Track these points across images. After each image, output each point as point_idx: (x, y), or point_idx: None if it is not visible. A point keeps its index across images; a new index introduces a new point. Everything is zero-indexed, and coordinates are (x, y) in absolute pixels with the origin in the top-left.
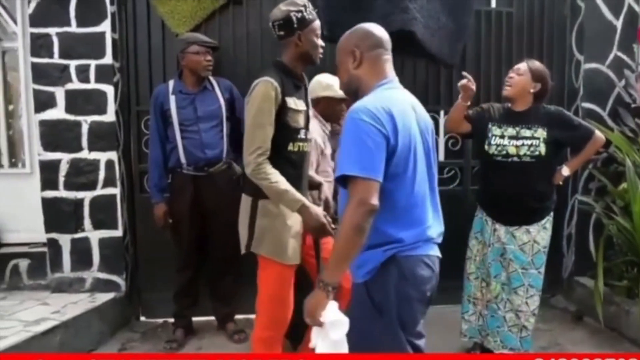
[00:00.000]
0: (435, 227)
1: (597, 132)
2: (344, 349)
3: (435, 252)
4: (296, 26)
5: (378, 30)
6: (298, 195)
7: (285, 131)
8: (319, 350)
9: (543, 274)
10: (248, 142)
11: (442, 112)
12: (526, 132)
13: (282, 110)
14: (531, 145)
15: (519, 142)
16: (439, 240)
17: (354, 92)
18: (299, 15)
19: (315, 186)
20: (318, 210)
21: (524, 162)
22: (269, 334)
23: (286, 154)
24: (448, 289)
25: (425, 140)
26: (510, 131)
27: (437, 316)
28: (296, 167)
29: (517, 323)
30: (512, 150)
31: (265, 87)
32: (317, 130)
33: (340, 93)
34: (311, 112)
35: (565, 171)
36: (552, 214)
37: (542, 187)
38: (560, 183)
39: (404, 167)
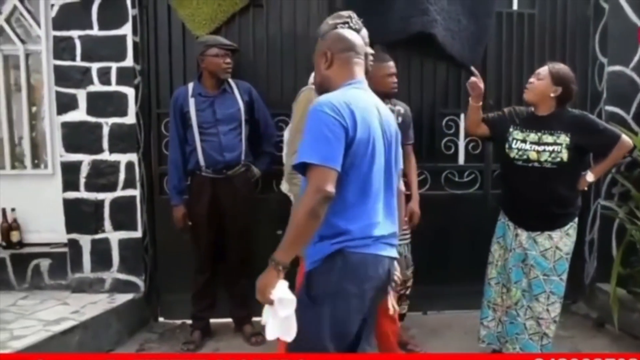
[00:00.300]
0: (386, 226)
1: (624, 137)
2: (293, 327)
3: (388, 252)
4: None
5: (350, 35)
6: None
7: None
8: (269, 328)
9: (565, 281)
10: (289, 145)
11: (462, 115)
12: (548, 138)
13: None
14: (552, 151)
15: (541, 148)
16: (393, 241)
17: (325, 91)
18: (345, 27)
19: None
20: None
21: (545, 168)
22: None
23: None
24: (468, 294)
25: (386, 141)
26: (533, 136)
27: (456, 321)
28: None
29: (537, 331)
30: (533, 156)
31: (308, 95)
32: None
33: None
34: None
35: (590, 177)
36: (576, 220)
37: (564, 193)
38: (585, 189)
39: (359, 161)
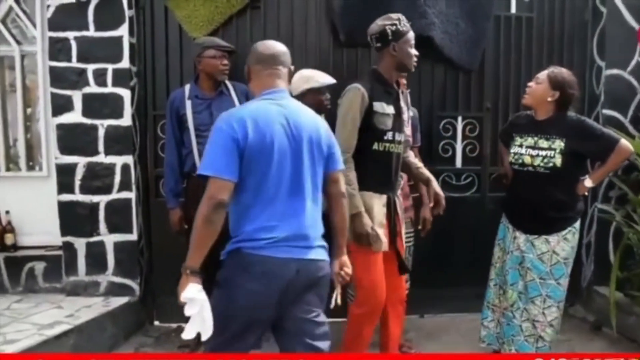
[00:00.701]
0: (291, 228)
1: (622, 142)
2: (206, 324)
3: (296, 255)
4: (391, 38)
5: (264, 47)
6: (359, 203)
7: (371, 132)
8: (186, 327)
9: (564, 286)
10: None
11: (459, 118)
12: (544, 143)
13: (369, 113)
14: (545, 156)
15: (535, 152)
16: (305, 243)
17: None
18: (393, 28)
19: (424, 181)
20: (367, 221)
21: (539, 173)
22: (362, 310)
23: (371, 153)
24: (465, 297)
25: (295, 147)
26: (530, 141)
27: (453, 324)
28: (381, 165)
29: (533, 333)
30: (527, 160)
31: (353, 93)
32: None
33: (320, 82)
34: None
35: (589, 183)
36: (576, 225)
37: (560, 197)
38: (586, 194)
39: (255, 168)
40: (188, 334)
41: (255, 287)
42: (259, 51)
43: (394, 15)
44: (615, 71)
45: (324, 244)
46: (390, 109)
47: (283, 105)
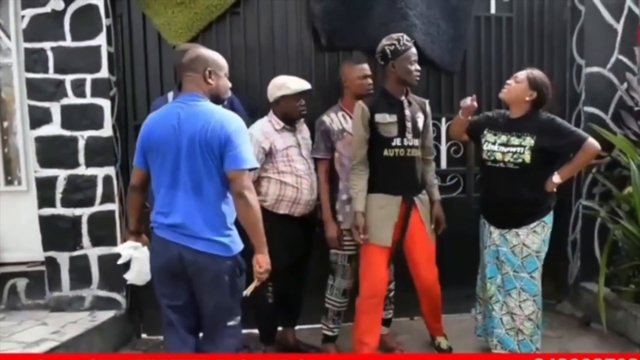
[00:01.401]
0: (176, 217)
1: (590, 141)
2: (133, 274)
3: (178, 240)
4: (390, 57)
5: (185, 55)
6: (359, 206)
7: (379, 140)
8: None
9: (537, 280)
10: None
11: (443, 120)
12: (515, 140)
13: (373, 125)
14: (515, 152)
15: (506, 149)
16: (183, 231)
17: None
18: (392, 47)
19: (431, 200)
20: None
21: (509, 169)
22: (367, 300)
23: (382, 158)
24: (454, 298)
25: (177, 145)
26: (503, 138)
27: (447, 324)
28: (392, 169)
29: (513, 326)
30: (499, 157)
31: (356, 110)
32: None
33: (293, 89)
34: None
35: (556, 178)
36: (545, 219)
37: (528, 193)
38: (553, 190)
39: (152, 162)
40: (128, 276)
41: (152, 257)
42: (179, 61)
43: (395, 36)
44: (595, 69)
45: (221, 239)
46: (392, 118)
47: (184, 107)
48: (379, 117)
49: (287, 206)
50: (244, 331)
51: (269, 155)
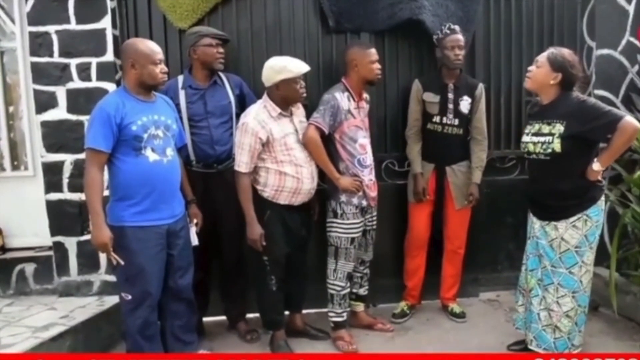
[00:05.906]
0: None
1: (627, 119)
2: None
3: None
4: (437, 44)
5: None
6: (417, 168)
7: (425, 115)
8: None
9: (577, 276)
10: None
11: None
12: (545, 128)
13: (423, 101)
14: (544, 142)
15: (537, 139)
16: None
17: None
18: (437, 35)
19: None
20: (420, 183)
21: (541, 160)
22: (406, 243)
23: (425, 131)
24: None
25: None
26: (536, 127)
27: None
28: (430, 140)
29: (550, 323)
30: (531, 148)
31: (413, 87)
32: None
33: (295, 72)
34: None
35: (597, 166)
36: (589, 212)
37: (563, 185)
38: (599, 179)
39: None
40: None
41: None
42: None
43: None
44: (605, 51)
45: None
46: (436, 99)
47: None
48: (426, 96)
49: (287, 196)
50: (252, 315)
51: (266, 144)
